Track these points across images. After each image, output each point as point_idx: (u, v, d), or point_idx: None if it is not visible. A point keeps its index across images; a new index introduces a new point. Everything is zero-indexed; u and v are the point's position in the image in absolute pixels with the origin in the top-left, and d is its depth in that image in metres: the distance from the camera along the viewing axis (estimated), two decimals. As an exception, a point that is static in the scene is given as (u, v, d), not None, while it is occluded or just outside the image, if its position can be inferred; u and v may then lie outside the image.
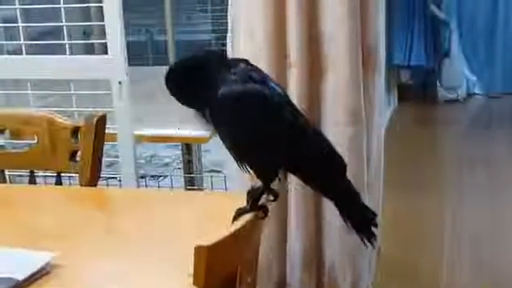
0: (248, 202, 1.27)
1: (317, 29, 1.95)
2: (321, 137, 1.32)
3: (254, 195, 1.28)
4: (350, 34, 1.93)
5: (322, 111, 2.01)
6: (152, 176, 3.50)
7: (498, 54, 5.49)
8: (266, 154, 1.26)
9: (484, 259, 2.93)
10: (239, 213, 1.24)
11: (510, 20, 5.42)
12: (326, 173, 1.31)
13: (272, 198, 1.30)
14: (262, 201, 1.29)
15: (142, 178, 3.07)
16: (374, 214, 1.35)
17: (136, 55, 3.18)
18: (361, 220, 1.34)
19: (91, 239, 1.44)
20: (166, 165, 3.98)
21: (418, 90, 5.54)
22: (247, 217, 1.23)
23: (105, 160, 1.95)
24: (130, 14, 2.14)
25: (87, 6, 2.76)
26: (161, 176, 3.52)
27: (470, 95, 5.53)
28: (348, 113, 2.00)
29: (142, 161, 3.87)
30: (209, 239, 1.11)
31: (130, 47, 2.26)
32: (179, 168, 3.29)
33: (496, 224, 3.27)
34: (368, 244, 1.33)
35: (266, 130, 1.24)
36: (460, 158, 4.32)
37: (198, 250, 1.10)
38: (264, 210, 1.27)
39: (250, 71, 1.25)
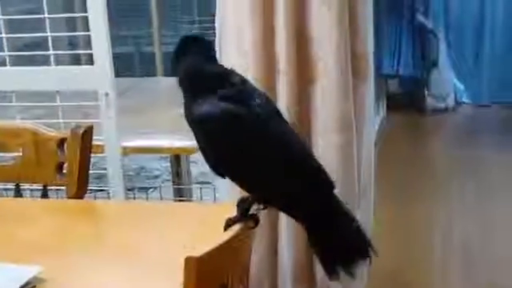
0: (238, 211, 1.25)
1: (305, 36, 1.93)
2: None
3: (244, 205, 1.26)
4: (339, 40, 1.92)
5: (312, 119, 1.99)
6: (140, 188, 3.46)
7: (485, 63, 5.50)
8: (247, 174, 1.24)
9: (475, 266, 2.93)
10: (229, 223, 1.22)
11: (496, 29, 5.44)
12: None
13: (262, 206, 1.28)
14: (252, 210, 1.27)
15: (130, 190, 3.03)
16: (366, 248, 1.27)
17: (123, 67, 3.15)
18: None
19: (79, 252, 1.41)
20: (156, 177, 3.95)
21: (406, 100, 5.54)
22: (237, 227, 1.21)
23: (92, 173, 1.92)
24: (117, 25, 2.12)
25: (73, 18, 2.73)
26: (150, 188, 3.49)
27: (458, 104, 5.53)
28: (338, 120, 1.98)
29: (131, 173, 3.83)
30: (198, 250, 1.09)
31: (117, 59, 2.23)
32: (169, 180, 3.26)
33: (486, 232, 3.27)
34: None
35: (240, 150, 1.21)
36: (449, 166, 4.32)
37: (188, 261, 1.08)
38: (254, 219, 1.25)
39: (237, 86, 1.24)
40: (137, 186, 3.41)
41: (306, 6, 1.92)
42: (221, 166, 1.24)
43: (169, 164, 3.87)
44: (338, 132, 2.00)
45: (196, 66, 1.25)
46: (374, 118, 2.16)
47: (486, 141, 4.85)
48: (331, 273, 1.26)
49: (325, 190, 1.26)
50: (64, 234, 1.51)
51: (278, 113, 1.29)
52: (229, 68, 1.28)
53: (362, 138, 2.08)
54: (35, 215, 1.64)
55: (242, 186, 1.26)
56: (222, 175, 1.26)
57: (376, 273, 2.42)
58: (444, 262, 3.01)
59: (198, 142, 1.23)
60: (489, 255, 3.02)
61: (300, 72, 1.97)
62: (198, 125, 1.22)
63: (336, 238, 1.26)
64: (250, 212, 1.25)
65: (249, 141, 1.21)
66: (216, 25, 2.04)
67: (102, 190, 2.78)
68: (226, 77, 1.24)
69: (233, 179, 1.25)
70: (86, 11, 2.08)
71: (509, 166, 4.18)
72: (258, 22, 1.93)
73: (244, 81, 1.26)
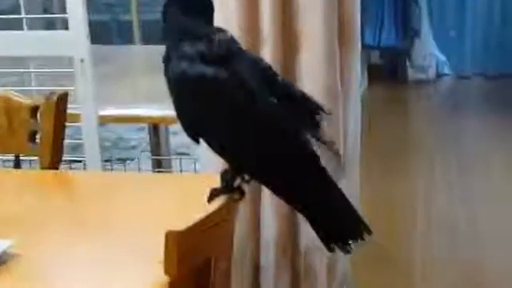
0: (222, 183, 1.18)
1: (290, 2, 1.85)
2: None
3: (228, 176, 1.19)
4: (326, 6, 1.84)
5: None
6: (118, 159, 3.38)
7: (467, 34, 5.46)
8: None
9: (457, 239, 2.92)
10: (214, 194, 1.14)
11: (479, 1, 5.38)
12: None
13: (247, 178, 1.20)
14: (237, 181, 1.20)
15: (107, 161, 2.95)
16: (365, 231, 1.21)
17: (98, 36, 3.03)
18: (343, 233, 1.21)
19: (52, 226, 1.34)
20: (133, 148, 3.87)
21: (387, 71, 5.49)
22: (222, 199, 1.14)
23: (67, 143, 1.84)
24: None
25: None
26: (127, 159, 3.41)
27: (439, 76, 5.49)
28: (324, 90, 1.90)
29: (108, 143, 3.74)
30: (180, 224, 1.02)
31: (92, 27, 2.12)
32: (146, 151, 3.18)
33: (468, 204, 3.25)
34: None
35: (215, 114, 1.15)
36: (431, 138, 4.30)
37: (169, 235, 1.01)
38: (240, 191, 1.18)
39: (222, 46, 1.16)
40: (114, 157, 3.32)
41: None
42: (194, 129, 1.17)
43: (147, 135, 3.79)
44: (324, 102, 1.92)
45: (181, 21, 1.17)
46: (360, 88, 2.08)
47: (468, 112, 4.82)
48: (327, 248, 1.20)
49: (312, 164, 1.19)
50: (36, 206, 1.44)
51: (267, 77, 1.20)
52: (217, 26, 1.20)
53: (348, 108, 2.01)
54: (6, 186, 1.56)
55: (216, 152, 1.18)
56: (197, 140, 1.19)
57: (362, 247, 2.39)
58: (427, 236, 2.98)
59: (173, 101, 1.16)
60: (471, 228, 3.00)
61: (284, 40, 1.89)
62: (174, 84, 1.15)
63: (330, 218, 1.20)
64: (235, 184, 1.18)
65: (225, 108, 1.14)
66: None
67: (77, 161, 2.70)
68: (212, 34, 1.16)
69: (209, 145, 1.18)
70: (59, -27, 1.97)
71: (491, 138, 4.17)
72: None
73: (231, 40, 1.18)
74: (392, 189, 3.41)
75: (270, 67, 1.23)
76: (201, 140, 1.19)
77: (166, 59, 1.17)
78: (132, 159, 3.45)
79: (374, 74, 5.33)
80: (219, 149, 1.17)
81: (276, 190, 1.22)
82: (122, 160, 3.38)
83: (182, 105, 1.15)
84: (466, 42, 5.47)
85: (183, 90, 1.14)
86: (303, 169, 1.18)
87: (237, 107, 1.14)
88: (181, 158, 2.63)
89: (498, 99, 5.02)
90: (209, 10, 1.24)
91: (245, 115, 1.14)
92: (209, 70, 1.12)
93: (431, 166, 3.81)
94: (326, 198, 1.20)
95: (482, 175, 3.61)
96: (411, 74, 5.42)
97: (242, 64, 1.16)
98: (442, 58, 5.49)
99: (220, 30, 1.20)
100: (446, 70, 5.52)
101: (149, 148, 2.93)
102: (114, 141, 3.97)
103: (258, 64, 1.21)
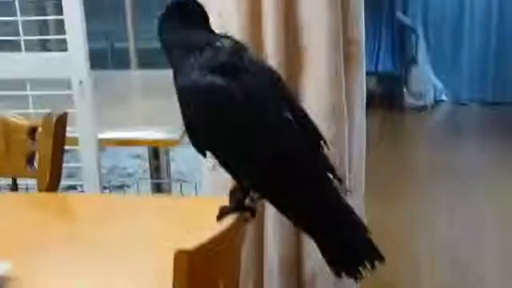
0: (232, 201, 1.13)
1: (295, 20, 1.82)
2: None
3: (237, 194, 1.14)
4: (330, 24, 1.80)
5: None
6: (116, 186, 3.32)
7: (464, 60, 5.46)
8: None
9: (455, 263, 2.90)
10: (224, 212, 1.09)
11: (475, 27, 5.39)
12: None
13: (257, 196, 1.16)
14: (247, 201, 1.15)
15: (105, 188, 2.89)
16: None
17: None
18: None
19: (51, 249, 1.28)
20: (130, 175, 3.81)
21: (385, 97, 5.47)
22: (232, 218, 1.09)
23: (64, 169, 1.78)
24: (89, 19, 1.99)
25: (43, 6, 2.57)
26: (125, 186, 3.35)
27: (437, 102, 5.47)
28: (328, 110, 1.86)
29: (104, 171, 3.68)
30: (190, 243, 0.97)
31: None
32: (145, 178, 3.12)
33: (467, 228, 3.24)
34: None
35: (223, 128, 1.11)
36: (428, 165, 4.27)
37: (179, 256, 0.95)
38: (251, 210, 1.13)
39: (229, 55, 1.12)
40: (112, 184, 3.26)
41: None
42: (202, 142, 1.13)
43: (143, 162, 3.74)
44: (329, 122, 1.89)
45: (183, 32, 1.14)
46: (365, 107, 2.04)
47: (466, 139, 4.80)
48: (335, 273, 1.15)
49: (326, 186, 1.14)
50: (35, 228, 1.38)
51: (275, 85, 1.16)
52: (223, 33, 1.16)
53: (353, 128, 1.98)
54: (5, 209, 1.50)
55: (223, 167, 1.14)
56: (204, 154, 1.14)
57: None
58: (424, 261, 2.96)
59: (181, 112, 1.12)
60: (469, 253, 2.99)
61: (288, 58, 1.85)
62: (181, 96, 1.11)
63: (341, 242, 1.15)
64: (246, 203, 1.13)
65: (232, 119, 1.10)
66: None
67: (74, 188, 2.64)
68: (219, 43, 1.13)
69: (217, 158, 1.13)
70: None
71: (488, 165, 4.13)
72: (245, 7, 1.81)
73: (240, 48, 1.14)
74: (389, 215, 3.36)
75: (279, 78, 1.19)
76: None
77: (174, 72, 1.13)
78: (129, 186, 3.39)
79: (371, 100, 5.29)
80: (227, 164, 1.13)
81: (285, 210, 1.17)
82: (120, 187, 3.33)
83: (190, 117, 1.11)
84: (463, 69, 5.46)
85: (191, 102, 1.10)
86: (316, 189, 1.14)
87: (246, 121, 1.09)
88: (181, 183, 2.57)
89: (496, 125, 5.00)
90: (205, 18, 1.20)
91: (254, 130, 1.10)
92: (218, 81, 1.08)
93: (428, 193, 3.77)
94: (338, 221, 1.15)
95: (482, 201, 3.58)
96: (408, 100, 5.39)
97: (253, 74, 1.12)
98: (440, 84, 5.48)
99: (225, 37, 1.16)
100: (444, 97, 5.50)
101: (146, 175, 2.87)
102: (110, 168, 3.91)
103: (267, 74, 1.17)
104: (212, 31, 1.19)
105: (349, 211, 1.15)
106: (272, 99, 1.13)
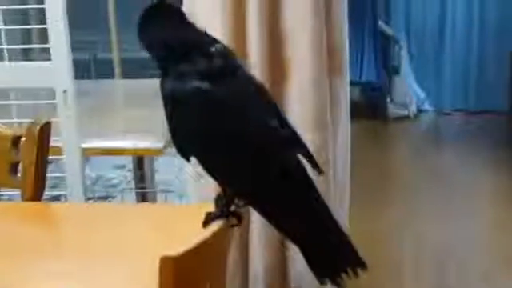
0: (217, 208, 1.13)
1: (279, 28, 1.83)
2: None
3: (223, 201, 1.14)
4: (314, 33, 1.82)
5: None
6: (100, 198, 3.30)
7: (446, 70, 5.51)
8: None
9: (437, 269, 2.91)
10: (210, 218, 1.09)
11: (457, 37, 5.45)
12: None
13: (242, 203, 1.15)
14: (233, 207, 1.15)
15: (89, 199, 2.87)
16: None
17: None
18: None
19: (36, 259, 1.26)
20: (114, 186, 3.78)
21: (368, 107, 5.50)
22: (217, 224, 1.08)
23: (49, 178, 1.77)
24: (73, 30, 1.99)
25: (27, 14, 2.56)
26: (110, 197, 3.33)
27: (420, 112, 5.51)
28: (313, 119, 1.87)
29: (89, 182, 3.66)
30: (176, 249, 0.96)
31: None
32: (130, 188, 3.11)
33: (450, 232, 3.28)
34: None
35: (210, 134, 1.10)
36: (412, 174, 4.29)
37: (164, 262, 0.95)
38: (237, 216, 1.12)
39: (216, 59, 1.11)
40: (96, 195, 3.24)
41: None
42: (186, 147, 1.12)
43: (128, 172, 3.72)
44: (313, 131, 1.90)
45: (170, 33, 1.13)
46: (349, 116, 2.05)
47: (448, 148, 4.86)
48: (319, 280, 1.15)
49: (309, 192, 1.14)
50: (20, 238, 1.36)
51: (261, 92, 1.16)
52: (208, 35, 1.15)
53: (337, 137, 1.98)
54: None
55: (207, 172, 1.14)
56: (188, 159, 1.14)
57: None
58: (407, 266, 2.99)
59: (167, 118, 1.11)
60: (452, 257, 3.01)
61: (272, 66, 1.86)
62: (166, 100, 1.10)
63: (324, 248, 1.15)
64: (231, 209, 1.13)
65: (217, 125, 1.09)
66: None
67: (58, 199, 2.62)
68: (205, 46, 1.12)
69: (201, 164, 1.13)
70: (42, 2, 1.93)
71: (470, 171, 4.17)
72: (228, 14, 1.82)
73: (224, 52, 1.14)
74: (373, 221, 3.37)
75: (263, 85, 1.19)
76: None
77: (162, 75, 1.12)
78: (114, 197, 3.37)
79: (355, 110, 5.31)
80: (210, 169, 1.13)
81: (268, 216, 1.17)
82: (105, 198, 3.31)
83: (175, 121, 1.10)
84: (445, 79, 5.51)
85: (176, 107, 1.09)
86: (300, 196, 1.14)
87: (231, 127, 1.09)
88: (166, 193, 2.57)
89: (478, 134, 5.04)
90: (186, 17, 1.19)
91: (239, 136, 1.10)
92: (204, 86, 1.08)
93: (412, 199, 3.79)
94: (321, 228, 1.15)
95: (464, 206, 3.62)
96: (391, 110, 5.42)
97: (240, 79, 1.12)
98: (422, 94, 5.52)
99: (213, 40, 1.16)
100: (426, 106, 5.54)
101: (131, 186, 2.86)
102: (95, 179, 3.89)
103: (253, 79, 1.17)
104: (197, 30, 1.17)
105: (332, 219, 1.15)
106: (258, 106, 1.13)
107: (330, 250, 1.15)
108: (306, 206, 1.14)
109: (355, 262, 1.15)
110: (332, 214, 1.16)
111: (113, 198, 3.35)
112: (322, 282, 1.16)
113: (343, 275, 1.15)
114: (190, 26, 1.16)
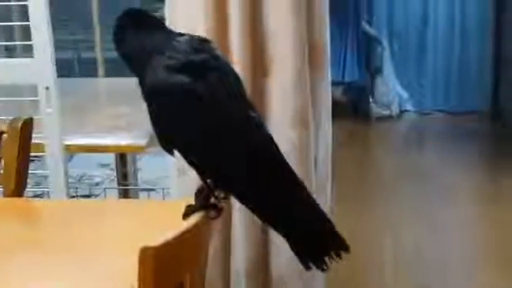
0: (198, 201, 1.14)
1: (260, 25, 1.84)
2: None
3: (204, 194, 1.15)
4: (295, 30, 1.83)
5: (267, 113, 1.89)
6: (83, 196, 3.30)
7: (428, 71, 5.55)
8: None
9: (419, 268, 2.95)
10: (189, 211, 1.11)
11: (439, 38, 5.49)
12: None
13: (223, 195, 1.17)
14: (213, 200, 1.16)
15: (72, 197, 2.87)
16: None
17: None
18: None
19: (17, 253, 1.27)
20: (97, 184, 3.78)
21: (350, 107, 5.53)
22: (197, 216, 1.10)
23: (31, 176, 1.77)
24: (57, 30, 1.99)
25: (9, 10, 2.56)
26: (93, 195, 3.33)
27: (402, 112, 5.55)
28: (294, 115, 1.89)
29: (72, 180, 3.66)
30: (155, 241, 0.98)
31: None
32: (113, 187, 3.11)
33: (431, 230, 3.32)
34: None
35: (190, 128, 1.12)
36: (394, 173, 4.33)
37: (144, 252, 0.96)
38: (217, 209, 1.14)
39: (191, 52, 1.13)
40: (79, 193, 3.24)
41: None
42: (168, 140, 1.14)
43: (111, 171, 3.72)
44: (294, 128, 1.91)
45: (144, 37, 1.15)
46: (330, 114, 2.07)
47: (429, 147, 4.93)
48: (303, 264, 1.17)
49: (291, 179, 1.16)
50: (0, 234, 1.37)
51: (240, 83, 1.18)
52: (189, 34, 1.18)
53: (318, 135, 2.00)
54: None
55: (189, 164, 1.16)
56: (171, 152, 1.16)
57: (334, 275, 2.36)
58: (389, 263, 3.00)
59: (149, 113, 1.13)
60: (433, 254, 3.04)
61: (254, 64, 1.87)
62: (146, 94, 1.12)
63: (307, 232, 1.17)
64: (211, 201, 1.15)
65: (197, 118, 1.11)
66: (166, 15, 1.93)
67: (40, 197, 2.62)
68: (178, 41, 1.14)
69: (185, 158, 1.14)
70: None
71: (450, 170, 4.21)
72: (211, 10, 1.83)
73: (202, 43, 1.16)
74: (356, 218, 3.39)
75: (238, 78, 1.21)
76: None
77: (140, 76, 1.14)
78: (96, 195, 3.37)
79: (337, 110, 5.34)
80: (192, 162, 1.14)
81: (250, 205, 1.18)
82: (88, 196, 3.31)
83: (157, 115, 1.12)
84: (427, 79, 5.56)
85: (156, 101, 1.11)
86: (281, 182, 1.16)
87: (212, 120, 1.11)
88: (149, 190, 2.58)
89: (459, 134, 5.10)
90: (159, 21, 1.22)
91: (220, 128, 1.12)
92: (183, 79, 1.09)
93: (394, 196, 3.83)
94: (302, 213, 1.17)
95: (444, 203, 3.66)
96: (374, 110, 5.46)
97: (217, 70, 1.13)
98: (405, 94, 5.56)
99: (184, 35, 1.17)
100: (408, 107, 5.58)
101: (114, 184, 2.86)
102: (78, 177, 3.88)
103: (231, 69, 1.19)
104: (170, 31, 1.20)
105: (314, 204, 1.17)
106: (238, 97, 1.15)
107: (310, 232, 1.17)
108: (285, 192, 1.15)
109: (338, 244, 1.17)
110: (314, 200, 1.18)
111: (96, 196, 3.35)
112: (306, 267, 1.18)
113: (327, 259, 1.17)
114: (162, 26, 1.20)
